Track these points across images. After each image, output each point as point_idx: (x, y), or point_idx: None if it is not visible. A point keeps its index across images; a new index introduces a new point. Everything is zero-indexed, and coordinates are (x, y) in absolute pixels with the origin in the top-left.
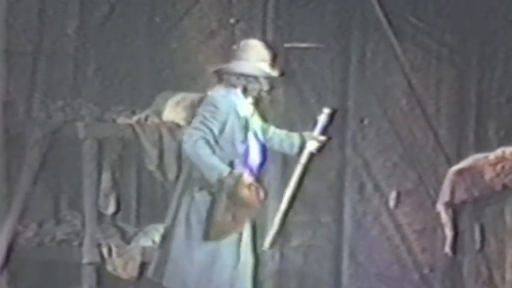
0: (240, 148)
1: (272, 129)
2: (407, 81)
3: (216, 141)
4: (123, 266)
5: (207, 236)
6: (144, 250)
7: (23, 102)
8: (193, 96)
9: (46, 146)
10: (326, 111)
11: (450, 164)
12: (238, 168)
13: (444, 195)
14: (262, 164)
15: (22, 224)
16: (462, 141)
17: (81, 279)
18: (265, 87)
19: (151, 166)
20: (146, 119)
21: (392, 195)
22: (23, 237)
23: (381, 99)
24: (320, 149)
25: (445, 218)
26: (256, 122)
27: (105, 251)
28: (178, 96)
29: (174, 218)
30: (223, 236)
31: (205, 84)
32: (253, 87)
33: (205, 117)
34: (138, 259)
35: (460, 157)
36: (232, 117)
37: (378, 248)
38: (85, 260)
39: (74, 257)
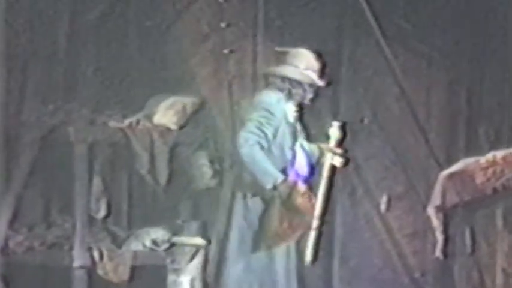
0: (288, 154)
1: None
2: (398, 85)
3: (269, 147)
4: (114, 270)
5: (256, 248)
6: (135, 254)
7: (14, 105)
8: (185, 100)
9: (37, 150)
10: (335, 124)
11: (441, 168)
12: (291, 176)
13: (435, 199)
14: (311, 172)
15: (13, 227)
16: (453, 146)
17: (72, 283)
18: (309, 94)
19: (143, 170)
20: (137, 123)
21: (384, 199)
22: (14, 241)
23: (371, 103)
24: (345, 163)
25: (436, 222)
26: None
27: (96, 254)
28: (170, 100)
29: (228, 224)
30: (280, 243)
31: (197, 88)
32: (297, 92)
33: (260, 123)
34: (129, 263)
35: (451, 161)
36: (284, 123)
37: (369, 252)
38: (76, 264)
39: (64, 261)
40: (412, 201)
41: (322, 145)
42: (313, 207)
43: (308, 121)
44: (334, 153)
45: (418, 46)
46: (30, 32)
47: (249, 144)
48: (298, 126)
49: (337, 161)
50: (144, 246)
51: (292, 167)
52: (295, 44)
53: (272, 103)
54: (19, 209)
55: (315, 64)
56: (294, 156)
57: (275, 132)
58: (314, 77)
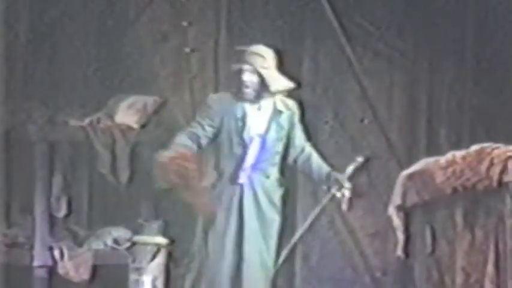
0: (237, 149)
1: (309, 151)
2: (359, 85)
3: (211, 139)
4: (75, 269)
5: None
6: (96, 253)
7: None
8: (146, 99)
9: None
10: (359, 159)
11: (401, 167)
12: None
13: (396, 199)
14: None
15: None
16: (413, 145)
17: (32, 283)
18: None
19: (104, 169)
20: (98, 121)
21: (345, 198)
22: None
23: (333, 103)
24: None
25: (396, 221)
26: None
27: (56, 254)
28: (131, 99)
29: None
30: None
31: (158, 87)
32: (246, 91)
33: (194, 125)
34: (90, 262)
35: (411, 161)
36: (230, 121)
37: (331, 251)
38: (36, 263)
39: (25, 260)
40: (373, 201)
41: (335, 173)
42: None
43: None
44: (344, 187)
45: (379, 47)
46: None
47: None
48: (252, 123)
49: (341, 192)
50: (105, 245)
51: (243, 162)
52: (257, 43)
53: (212, 103)
54: None
55: (271, 63)
56: (245, 151)
57: (217, 131)
58: (267, 75)
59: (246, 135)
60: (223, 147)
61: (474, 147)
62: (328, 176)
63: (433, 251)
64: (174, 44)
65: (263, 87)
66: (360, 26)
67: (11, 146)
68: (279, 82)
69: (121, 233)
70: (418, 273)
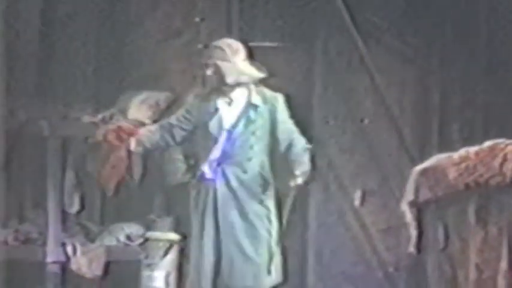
0: (208, 145)
1: (298, 143)
2: (372, 81)
3: (187, 131)
4: (88, 265)
5: None
6: (108, 249)
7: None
8: (158, 95)
9: (9, 144)
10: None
11: (414, 163)
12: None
13: (408, 195)
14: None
15: None
16: (426, 141)
17: (45, 278)
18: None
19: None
20: (111, 117)
21: (357, 194)
22: None
23: (345, 99)
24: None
25: (409, 217)
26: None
27: (69, 249)
28: (143, 95)
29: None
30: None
31: (170, 82)
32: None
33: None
34: (102, 258)
35: (424, 157)
36: (203, 113)
37: (343, 247)
38: (49, 259)
39: (38, 256)
40: (386, 197)
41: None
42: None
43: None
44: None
45: (391, 42)
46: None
47: None
48: (223, 117)
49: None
50: (118, 241)
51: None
52: (268, 39)
53: (193, 97)
54: None
55: (235, 55)
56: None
57: (194, 125)
58: (224, 67)
59: (214, 130)
60: (199, 144)
61: (487, 143)
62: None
63: (445, 247)
64: (187, 40)
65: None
66: (373, 22)
67: (24, 142)
68: (239, 74)
69: (133, 229)
70: (431, 269)
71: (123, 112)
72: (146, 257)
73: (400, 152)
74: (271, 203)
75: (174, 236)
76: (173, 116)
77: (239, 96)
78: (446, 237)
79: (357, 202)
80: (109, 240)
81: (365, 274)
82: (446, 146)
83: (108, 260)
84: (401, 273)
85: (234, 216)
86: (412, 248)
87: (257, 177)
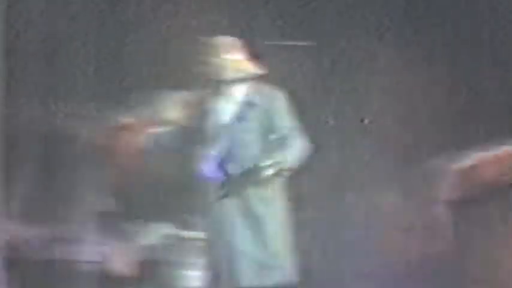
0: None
1: (288, 137)
2: (401, 80)
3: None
4: (124, 265)
5: None
6: (144, 248)
7: (25, 102)
8: (196, 95)
9: (47, 146)
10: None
11: (451, 162)
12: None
13: (444, 195)
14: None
15: (23, 223)
16: (463, 140)
17: (81, 278)
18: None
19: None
20: (148, 118)
21: (391, 195)
22: (24, 236)
23: (370, 101)
24: None
25: (445, 217)
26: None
27: (105, 249)
28: (182, 95)
29: None
30: None
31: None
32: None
33: None
34: (138, 257)
35: (459, 156)
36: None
37: (377, 247)
38: (86, 259)
39: (73, 256)
40: (421, 197)
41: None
42: None
43: (305, 119)
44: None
45: (419, 43)
46: (38, 29)
47: None
48: (220, 116)
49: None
50: (154, 240)
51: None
52: (291, 38)
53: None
54: (29, 204)
55: (227, 51)
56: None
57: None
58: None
59: (212, 128)
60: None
61: None
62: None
63: (483, 247)
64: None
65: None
66: (399, 21)
67: (60, 144)
68: (235, 71)
69: (170, 228)
70: (467, 270)
71: (158, 112)
72: (183, 257)
73: (436, 151)
74: (270, 199)
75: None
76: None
77: (236, 93)
78: (484, 237)
79: (390, 203)
80: (145, 240)
81: (393, 275)
82: (483, 144)
83: (144, 259)
84: (434, 275)
85: (235, 214)
86: (447, 249)
87: (255, 174)
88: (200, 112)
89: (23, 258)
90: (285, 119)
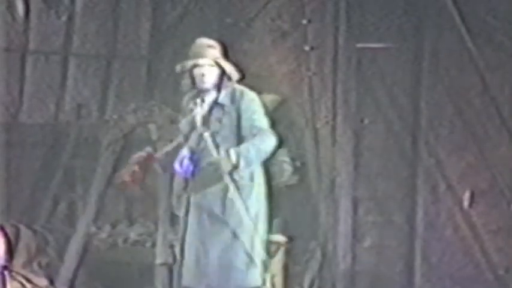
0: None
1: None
2: (482, 80)
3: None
4: None
5: None
6: None
7: (97, 105)
8: (265, 97)
9: (119, 148)
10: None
11: None
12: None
13: None
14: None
15: (96, 225)
16: None
17: (154, 280)
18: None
19: None
20: None
21: (466, 195)
22: (97, 238)
23: (454, 99)
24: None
25: None
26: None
27: (177, 252)
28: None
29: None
30: None
31: (276, 85)
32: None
33: None
34: None
35: None
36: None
37: (451, 248)
38: (158, 261)
39: (147, 258)
40: (496, 197)
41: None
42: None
43: (391, 118)
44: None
45: (502, 41)
46: (112, 33)
47: None
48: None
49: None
50: None
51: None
52: (377, 40)
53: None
54: (102, 206)
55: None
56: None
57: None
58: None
59: (185, 128)
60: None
61: None
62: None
63: None
64: (293, 42)
65: (222, 78)
66: (483, 20)
67: (133, 145)
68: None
69: None
70: None
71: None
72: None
73: (510, 151)
74: (239, 202)
75: (280, 238)
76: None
77: (208, 96)
78: None
79: (465, 203)
80: None
81: (474, 276)
82: None
83: None
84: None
85: (204, 216)
86: None
87: (247, 177)
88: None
89: (96, 260)
90: (251, 119)
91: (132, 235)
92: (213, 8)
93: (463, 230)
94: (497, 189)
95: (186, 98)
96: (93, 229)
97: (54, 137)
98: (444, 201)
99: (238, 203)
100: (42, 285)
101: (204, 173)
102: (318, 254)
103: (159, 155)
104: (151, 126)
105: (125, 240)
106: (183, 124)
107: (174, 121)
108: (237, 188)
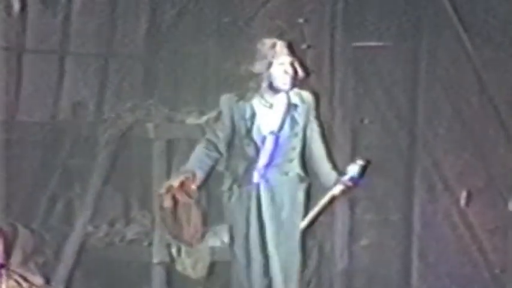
0: (250, 151)
1: (318, 155)
2: (480, 80)
3: (227, 142)
4: (193, 266)
5: None
6: (213, 250)
7: (94, 104)
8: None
9: (116, 147)
10: (359, 162)
11: None
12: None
13: None
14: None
15: (93, 224)
16: None
17: (151, 279)
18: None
19: (221, 166)
20: (216, 119)
21: (463, 194)
22: (94, 237)
23: (452, 98)
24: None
25: None
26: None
27: (174, 250)
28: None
29: None
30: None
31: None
32: (252, 86)
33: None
34: (207, 259)
35: None
36: (237, 119)
37: (448, 247)
38: (155, 260)
39: (143, 257)
40: (493, 197)
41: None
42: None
43: (389, 117)
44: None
45: (499, 39)
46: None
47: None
48: (263, 121)
49: (337, 190)
50: (223, 242)
51: (256, 161)
52: (373, 39)
53: (222, 105)
54: (99, 205)
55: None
56: (257, 151)
57: (229, 134)
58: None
59: (256, 135)
60: (236, 149)
61: None
62: (336, 182)
63: None
64: (290, 41)
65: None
66: (480, 19)
67: (130, 144)
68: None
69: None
70: None
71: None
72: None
73: (507, 150)
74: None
75: None
76: (210, 130)
77: (279, 98)
78: None
79: (462, 202)
80: (214, 241)
81: (471, 275)
82: None
83: (213, 260)
84: (508, 274)
85: (272, 221)
86: None
87: (296, 179)
88: (238, 120)
89: (93, 258)
90: (313, 121)
91: (129, 234)
92: (211, 7)
93: (460, 229)
94: (495, 189)
95: (255, 101)
96: (90, 228)
97: (52, 136)
98: (441, 200)
99: None
100: (38, 284)
101: None
102: (315, 253)
103: None
104: (149, 125)
105: (122, 239)
106: (255, 129)
107: (171, 120)
108: None
